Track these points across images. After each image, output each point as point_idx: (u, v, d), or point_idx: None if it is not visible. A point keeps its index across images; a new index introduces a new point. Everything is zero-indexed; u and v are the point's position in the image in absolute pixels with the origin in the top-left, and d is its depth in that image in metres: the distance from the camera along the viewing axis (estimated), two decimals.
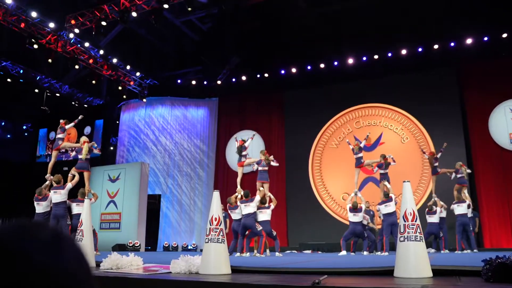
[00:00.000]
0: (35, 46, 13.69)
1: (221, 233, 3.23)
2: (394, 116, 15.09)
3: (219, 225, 3.26)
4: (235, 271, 3.29)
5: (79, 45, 14.85)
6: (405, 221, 2.86)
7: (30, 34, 13.44)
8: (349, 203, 10.72)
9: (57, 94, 18.06)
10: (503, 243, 12.73)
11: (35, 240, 0.56)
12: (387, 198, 10.13)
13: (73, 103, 18.77)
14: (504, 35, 13.60)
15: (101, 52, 15.42)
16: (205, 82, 17.90)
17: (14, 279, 0.52)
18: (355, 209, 10.45)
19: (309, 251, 13.33)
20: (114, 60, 16.06)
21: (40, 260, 0.54)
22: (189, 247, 16.25)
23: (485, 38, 13.86)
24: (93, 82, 16.43)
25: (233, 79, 17.39)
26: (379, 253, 10.13)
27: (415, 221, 2.85)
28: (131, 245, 14.43)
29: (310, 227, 14.70)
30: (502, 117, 13.55)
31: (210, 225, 3.25)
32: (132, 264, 3.56)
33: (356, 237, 10.72)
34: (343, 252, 10.28)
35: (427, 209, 11.10)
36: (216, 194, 3.44)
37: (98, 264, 3.84)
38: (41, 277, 0.53)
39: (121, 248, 13.99)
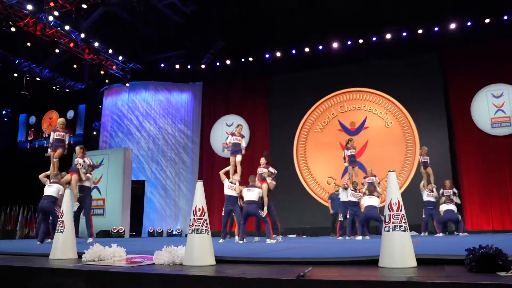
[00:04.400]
0: (13, 29, 13.30)
1: (204, 224, 3.19)
2: (379, 100, 15.15)
3: (203, 216, 3.21)
4: (219, 261, 3.27)
5: (59, 28, 14.48)
6: (390, 211, 2.85)
7: (7, 16, 13.04)
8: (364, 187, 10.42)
9: (37, 79, 17.66)
10: (484, 225, 13.00)
11: None
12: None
13: (54, 87, 18.40)
14: (487, 20, 13.67)
15: (82, 35, 15.07)
16: (189, 66, 17.68)
17: None
18: (370, 193, 10.16)
19: (293, 236, 13.44)
20: (96, 44, 15.72)
21: None
22: (174, 232, 16.23)
23: (469, 23, 13.96)
24: (74, 66, 16.09)
25: (217, 63, 17.21)
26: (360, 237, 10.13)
27: (400, 211, 2.84)
28: (115, 231, 14.34)
29: (295, 212, 14.76)
30: (484, 102, 13.70)
31: (194, 216, 3.20)
32: (115, 256, 3.50)
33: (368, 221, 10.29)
34: (359, 237, 9.81)
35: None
36: (200, 184, 3.38)
37: (80, 255, 3.77)
38: None
39: (105, 234, 13.91)
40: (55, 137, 8.93)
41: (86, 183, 8.97)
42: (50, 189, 8.34)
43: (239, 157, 9.30)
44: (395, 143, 14.51)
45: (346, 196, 10.77)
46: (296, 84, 16.13)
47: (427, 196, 11.29)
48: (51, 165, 8.84)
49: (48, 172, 8.72)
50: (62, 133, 8.98)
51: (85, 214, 8.77)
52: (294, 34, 15.47)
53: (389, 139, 14.61)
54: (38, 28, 13.78)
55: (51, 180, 8.53)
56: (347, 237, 10.20)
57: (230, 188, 8.88)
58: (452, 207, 10.97)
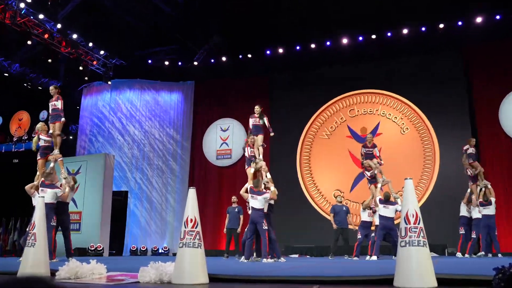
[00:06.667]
0: None
1: (197, 237, 3.19)
2: (393, 103, 15.19)
3: (195, 228, 3.22)
4: (213, 279, 3.26)
5: (32, 17, 14.50)
6: (406, 224, 2.85)
7: None
8: (379, 194, 10.30)
9: (6, 74, 17.65)
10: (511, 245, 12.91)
11: None
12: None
13: (25, 84, 18.38)
14: None
15: (59, 26, 15.08)
16: (180, 63, 17.73)
17: None
18: (386, 201, 10.01)
19: (296, 255, 13.40)
20: (74, 36, 15.75)
21: None
22: (160, 251, 16.18)
23: (497, 17, 13.94)
24: (49, 60, 16.11)
25: (212, 60, 17.26)
26: (368, 257, 10.22)
27: (418, 224, 2.85)
28: (92, 249, 14.28)
29: (298, 228, 14.74)
30: None
31: (185, 228, 3.20)
32: (93, 273, 3.49)
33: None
34: (374, 257, 9.81)
35: (480, 200, 10.99)
36: (192, 192, 3.39)
37: (53, 273, 3.76)
38: None
39: (81, 253, 13.84)
40: (42, 144, 9.28)
41: (65, 200, 9.27)
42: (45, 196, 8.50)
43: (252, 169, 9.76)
44: (411, 151, 14.52)
45: (366, 216, 11.10)
46: (300, 85, 16.17)
47: (485, 209, 10.91)
48: (37, 174, 9.08)
49: (35, 183, 8.90)
50: (48, 139, 9.35)
51: (64, 234, 9.08)
52: (298, 28, 15.51)
53: (405, 147, 14.62)
54: (7, 17, 13.78)
55: (44, 181, 8.68)
56: (354, 258, 10.47)
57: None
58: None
